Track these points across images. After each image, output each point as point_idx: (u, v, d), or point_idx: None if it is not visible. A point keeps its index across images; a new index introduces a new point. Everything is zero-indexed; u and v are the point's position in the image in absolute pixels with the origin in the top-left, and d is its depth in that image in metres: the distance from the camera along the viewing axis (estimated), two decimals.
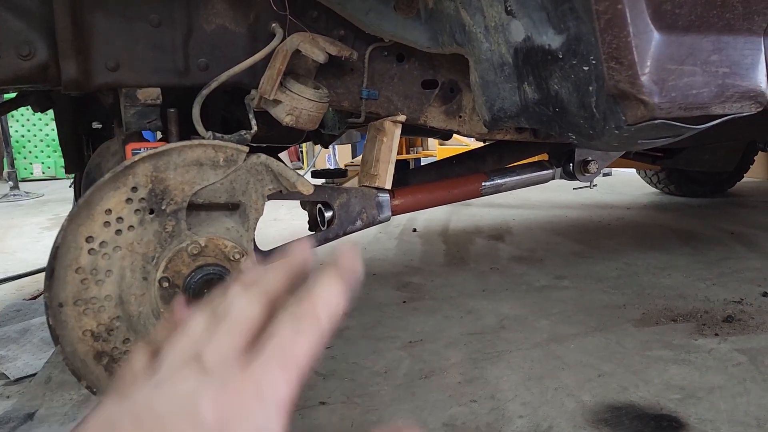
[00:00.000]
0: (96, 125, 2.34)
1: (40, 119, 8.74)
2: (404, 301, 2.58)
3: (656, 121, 1.13)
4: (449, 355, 2.01)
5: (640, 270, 2.91)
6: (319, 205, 1.58)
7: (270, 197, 1.30)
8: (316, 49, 1.30)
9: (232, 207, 1.26)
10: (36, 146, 8.90)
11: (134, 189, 1.18)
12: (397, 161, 4.88)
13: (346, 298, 0.34)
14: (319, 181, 3.14)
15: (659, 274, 2.83)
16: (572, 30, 1.16)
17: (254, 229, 1.28)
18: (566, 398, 1.70)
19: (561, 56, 1.21)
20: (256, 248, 1.35)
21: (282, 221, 4.28)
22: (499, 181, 1.82)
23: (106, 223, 1.17)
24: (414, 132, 2.53)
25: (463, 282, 2.83)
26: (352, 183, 2.69)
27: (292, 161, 7.46)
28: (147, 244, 1.20)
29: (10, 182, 6.86)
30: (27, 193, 6.79)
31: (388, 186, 1.59)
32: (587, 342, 2.08)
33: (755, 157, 4.61)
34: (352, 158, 6.80)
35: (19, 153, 8.57)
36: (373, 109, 1.63)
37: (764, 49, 1.18)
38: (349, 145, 7.04)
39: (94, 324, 1.18)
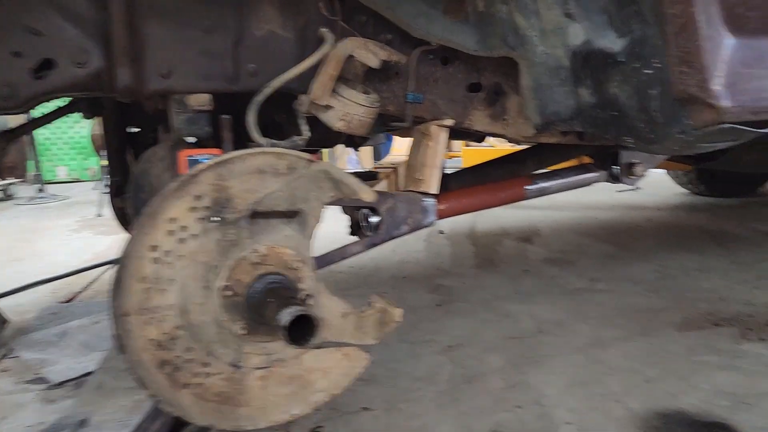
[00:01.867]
0: (132, 130, 2.35)
1: (65, 122, 8.83)
2: (438, 304, 2.56)
3: (724, 126, 1.10)
4: (490, 360, 1.99)
5: (677, 272, 2.87)
6: (364, 210, 1.56)
7: (329, 204, 1.29)
8: (371, 54, 1.29)
9: (291, 215, 1.25)
10: (60, 149, 9.00)
11: (198, 197, 1.17)
12: None
13: None
14: None
15: (697, 277, 2.79)
16: (636, 33, 1.14)
17: (312, 236, 1.27)
18: (614, 404, 1.68)
19: (623, 60, 1.19)
20: None
21: (323, 223, 4.27)
22: (543, 184, 1.80)
23: (170, 232, 1.17)
24: (462, 134, 2.50)
25: (495, 284, 2.81)
26: (382, 186, 2.67)
27: None
28: (209, 253, 1.20)
29: (37, 185, 6.93)
30: (53, 195, 6.85)
31: (435, 191, 1.58)
32: (630, 347, 2.05)
33: None
34: (374, 160, 6.78)
35: (44, 156, 8.66)
36: (418, 113, 1.61)
37: None
38: (371, 147, 7.02)
39: (158, 333, 1.17)
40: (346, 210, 1.78)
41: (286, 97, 1.49)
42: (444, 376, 1.89)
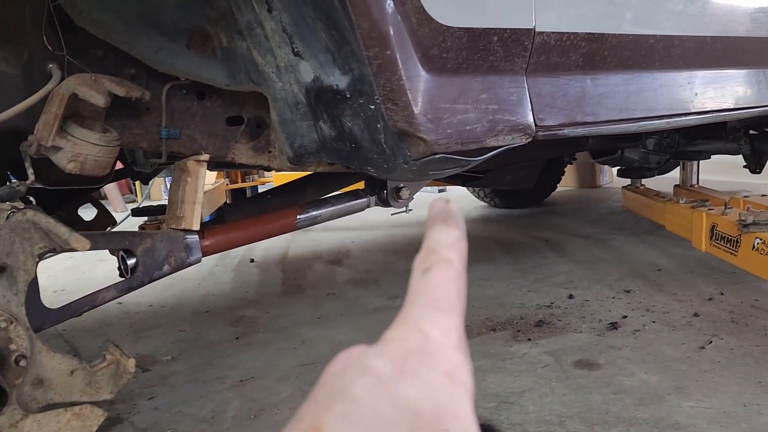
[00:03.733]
0: None
1: None
2: (237, 338, 2.51)
3: (437, 156, 1.20)
4: (280, 390, 1.98)
5: (467, 282, 3.08)
6: (121, 253, 1.49)
7: (43, 255, 1.20)
8: (95, 92, 1.23)
9: None
10: None
11: None
12: (233, 190, 4.70)
13: (464, 237, 0.31)
14: (141, 220, 2.98)
15: (483, 285, 3.01)
16: (356, 71, 1.21)
17: (25, 291, 1.17)
18: None
19: (349, 96, 1.25)
20: (41, 308, 1.23)
21: (108, 261, 4.00)
22: (314, 213, 1.84)
23: None
24: (230, 167, 2.49)
25: (298, 311, 2.81)
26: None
27: (123, 194, 7.02)
28: None
29: None
30: None
31: (196, 227, 1.54)
32: None
33: (566, 169, 5.11)
34: None
35: None
36: (175, 148, 1.57)
37: (527, 87, 1.31)
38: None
39: None
40: (113, 252, 1.68)
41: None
42: (231, 413, 1.85)
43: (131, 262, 1.47)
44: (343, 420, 0.23)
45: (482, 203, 5.29)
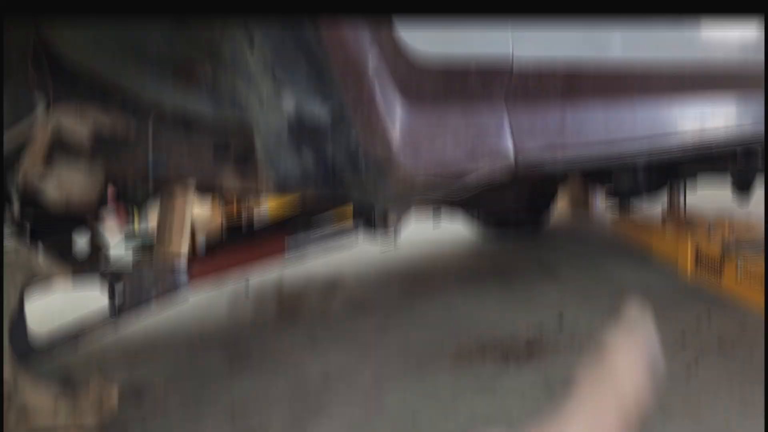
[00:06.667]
0: None
1: None
2: (230, 362, 2.51)
3: (417, 182, 1.23)
4: (273, 414, 1.99)
5: (458, 303, 3.09)
6: (108, 280, 1.50)
7: (26, 287, 1.21)
8: (80, 124, 1.26)
9: None
10: None
11: None
12: (229, 216, 4.66)
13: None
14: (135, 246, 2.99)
15: (474, 306, 3.02)
16: (336, 99, 1.23)
17: (9, 321, 1.18)
18: None
19: (330, 124, 1.27)
20: (25, 338, 1.25)
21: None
22: (304, 237, 1.86)
23: None
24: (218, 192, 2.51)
25: (291, 336, 2.81)
26: None
27: (121, 220, 7.01)
28: None
29: None
30: None
31: (184, 254, 1.56)
32: (405, 382, 2.15)
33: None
34: None
35: None
36: (162, 176, 1.60)
37: (507, 112, 1.34)
38: None
39: None
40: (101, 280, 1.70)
41: None
42: None
43: (119, 287, 1.49)
44: None
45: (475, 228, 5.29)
